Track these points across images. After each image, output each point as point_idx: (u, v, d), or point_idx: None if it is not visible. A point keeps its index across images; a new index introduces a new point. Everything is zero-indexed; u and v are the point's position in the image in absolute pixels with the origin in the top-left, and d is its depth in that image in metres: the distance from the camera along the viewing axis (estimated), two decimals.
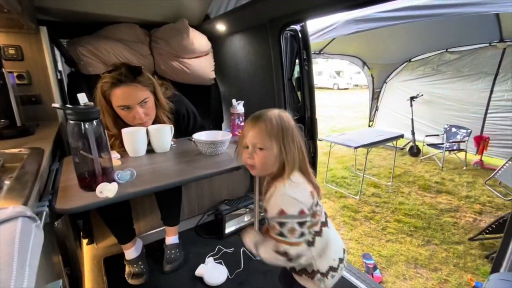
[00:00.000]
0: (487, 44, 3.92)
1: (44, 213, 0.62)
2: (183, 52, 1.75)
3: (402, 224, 2.58)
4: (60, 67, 1.67)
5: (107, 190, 0.70)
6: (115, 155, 1.01)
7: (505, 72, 3.84)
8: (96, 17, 1.58)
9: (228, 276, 1.36)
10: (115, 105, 1.10)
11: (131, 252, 1.37)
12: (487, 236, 2.23)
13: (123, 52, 1.62)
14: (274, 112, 0.75)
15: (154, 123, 1.24)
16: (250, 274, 1.38)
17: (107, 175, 0.78)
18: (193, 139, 1.13)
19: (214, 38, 1.88)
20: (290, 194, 0.69)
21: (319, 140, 1.74)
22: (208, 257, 1.43)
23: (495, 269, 0.90)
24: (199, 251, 1.55)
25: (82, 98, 0.72)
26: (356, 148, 3.10)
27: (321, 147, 4.33)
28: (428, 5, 2.31)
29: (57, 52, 1.57)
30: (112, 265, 1.43)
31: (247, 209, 1.81)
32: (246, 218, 1.82)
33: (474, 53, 4.14)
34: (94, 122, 0.72)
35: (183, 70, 1.81)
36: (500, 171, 2.95)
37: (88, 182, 0.75)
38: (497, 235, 2.17)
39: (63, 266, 0.98)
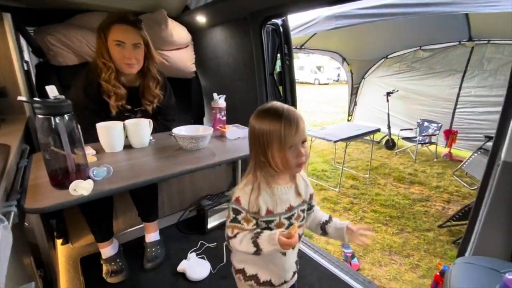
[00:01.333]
0: (457, 43, 4.15)
1: (12, 213, 0.58)
2: (162, 44, 1.70)
3: (378, 214, 2.71)
4: (26, 57, 1.56)
5: (81, 188, 0.67)
6: (89, 151, 0.97)
7: (473, 70, 4.08)
8: (66, 4, 1.48)
9: (211, 270, 1.36)
10: (111, 39, 1.15)
11: (108, 250, 1.34)
12: (454, 223, 2.39)
13: None
14: (282, 104, 0.71)
15: (145, 75, 1.29)
16: None
17: (81, 172, 0.74)
18: (173, 134, 1.10)
19: (194, 30, 1.83)
20: None
21: None
22: (190, 253, 1.42)
23: (461, 253, 0.98)
24: (181, 247, 1.53)
25: (52, 90, 0.68)
26: (335, 142, 3.18)
27: None
28: (403, 4, 2.40)
29: (23, 41, 1.46)
30: (90, 265, 1.39)
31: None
32: None
33: (445, 51, 4.37)
34: (66, 116, 0.68)
35: (162, 62, 1.75)
36: (466, 163, 3.16)
37: (61, 179, 0.71)
38: (463, 222, 2.34)
39: (35, 268, 0.93)
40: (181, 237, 1.65)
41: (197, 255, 1.42)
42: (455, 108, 4.34)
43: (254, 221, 0.71)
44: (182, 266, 1.34)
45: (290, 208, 0.73)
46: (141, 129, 1.09)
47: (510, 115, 0.83)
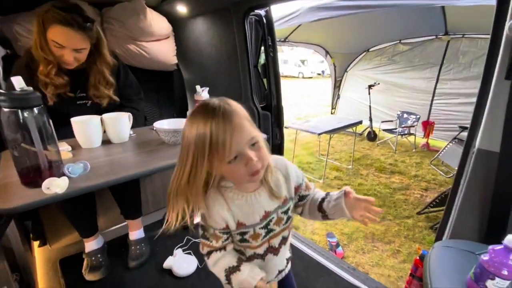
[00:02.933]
0: (434, 37, 4.29)
1: None
2: (141, 35, 1.63)
3: None
4: None
5: (55, 186, 0.63)
6: (65, 147, 0.92)
7: (449, 63, 4.25)
8: None
9: (198, 265, 1.35)
10: (50, 38, 1.03)
11: (92, 244, 1.31)
12: (432, 209, 2.51)
13: None
14: (218, 100, 0.56)
15: (90, 68, 1.18)
16: None
17: (55, 169, 0.70)
18: (154, 128, 1.07)
19: (175, 21, 1.77)
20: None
21: (285, 127, 1.77)
22: (176, 249, 1.40)
23: (439, 237, 1.02)
24: (166, 244, 1.50)
25: (18, 82, 0.63)
26: (319, 134, 3.22)
27: (287, 134, 4.41)
28: None
29: None
30: (70, 266, 1.33)
31: None
32: None
33: (423, 45, 4.50)
34: (35, 109, 0.63)
35: (142, 54, 1.68)
36: (442, 152, 3.31)
37: (33, 178, 0.67)
38: (440, 208, 2.46)
39: (10, 272, 0.88)
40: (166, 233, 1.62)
41: (183, 251, 1.40)
42: (432, 100, 4.51)
43: (224, 236, 0.63)
44: (168, 263, 1.32)
45: (266, 215, 0.63)
46: (120, 123, 1.05)
47: (484, 106, 0.86)
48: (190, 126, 0.54)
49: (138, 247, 1.39)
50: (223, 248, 0.63)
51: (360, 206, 0.58)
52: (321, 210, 0.66)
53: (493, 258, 0.60)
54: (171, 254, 1.36)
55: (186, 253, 1.39)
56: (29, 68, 1.08)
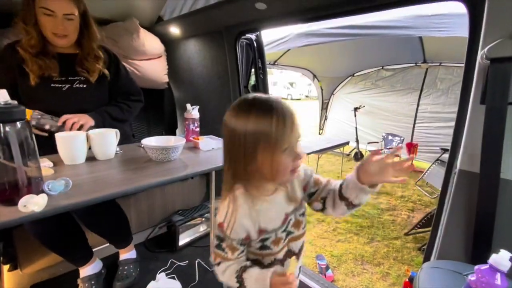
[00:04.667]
0: (414, 64, 4.58)
1: None
2: (133, 54, 1.65)
3: (350, 224, 2.78)
4: None
5: (33, 204, 0.60)
6: (46, 163, 0.88)
7: (428, 88, 4.51)
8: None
9: None
10: (39, 5, 1.01)
11: (87, 269, 1.24)
12: (419, 230, 2.53)
13: None
14: (267, 95, 0.60)
15: (82, 47, 1.15)
16: (206, 286, 1.32)
17: (34, 186, 0.66)
18: (142, 145, 1.05)
19: (167, 41, 1.81)
20: None
21: None
22: (159, 273, 1.32)
23: (426, 258, 1.02)
24: (149, 267, 1.43)
25: (2, 95, 0.61)
26: (308, 154, 3.26)
27: None
28: (366, 26, 2.62)
29: None
30: None
31: (203, 219, 1.74)
32: (202, 228, 1.75)
33: (404, 71, 4.79)
34: (18, 124, 0.61)
35: (133, 72, 1.69)
36: (426, 173, 3.40)
37: (9, 195, 0.63)
38: (427, 229, 2.48)
39: None
40: (149, 256, 1.54)
41: (167, 275, 1.33)
42: (414, 123, 4.71)
43: (241, 249, 0.61)
44: None
45: (286, 218, 0.64)
46: (106, 139, 1.02)
47: (463, 129, 0.91)
48: (244, 119, 0.55)
49: (126, 267, 1.34)
50: (236, 260, 0.62)
51: (387, 167, 0.59)
52: (343, 198, 0.63)
53: (480, 278, 0.61)
54: (154, 278, 1.28)
55: (169, 278, 1.32)
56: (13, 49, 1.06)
